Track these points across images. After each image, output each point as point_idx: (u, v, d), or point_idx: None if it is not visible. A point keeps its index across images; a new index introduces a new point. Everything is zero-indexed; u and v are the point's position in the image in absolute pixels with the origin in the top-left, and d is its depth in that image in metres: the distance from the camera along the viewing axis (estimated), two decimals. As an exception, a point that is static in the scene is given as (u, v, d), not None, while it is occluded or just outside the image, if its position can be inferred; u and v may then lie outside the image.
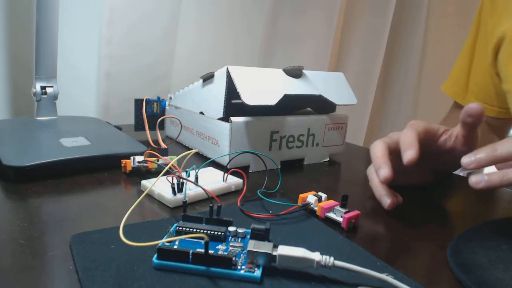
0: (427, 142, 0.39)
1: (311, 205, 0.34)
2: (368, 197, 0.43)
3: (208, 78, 0.49)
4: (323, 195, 0.35)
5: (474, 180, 0.31)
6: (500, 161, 0.31)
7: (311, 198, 0.34)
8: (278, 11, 0.86)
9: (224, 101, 0.45)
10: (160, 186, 0.35)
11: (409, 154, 0.34)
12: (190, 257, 0.24)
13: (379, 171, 0.36)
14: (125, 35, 0.68)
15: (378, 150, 0.38)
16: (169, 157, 0.41)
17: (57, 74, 0.53)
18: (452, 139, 0.41)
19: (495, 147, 0.31)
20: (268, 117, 0.46)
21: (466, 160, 0.32)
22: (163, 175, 0.32)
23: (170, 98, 0.58)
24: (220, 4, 0.79)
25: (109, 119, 0.67)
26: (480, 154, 0.31)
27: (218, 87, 0.46)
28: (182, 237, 0.25)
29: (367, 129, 1.11)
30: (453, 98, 0.71)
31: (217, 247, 0.26)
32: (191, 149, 0.42)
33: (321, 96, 0.49)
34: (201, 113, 0.50)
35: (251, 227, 0.27)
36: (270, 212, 0.34)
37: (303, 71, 0.50)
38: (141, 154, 0.42)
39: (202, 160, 0.49)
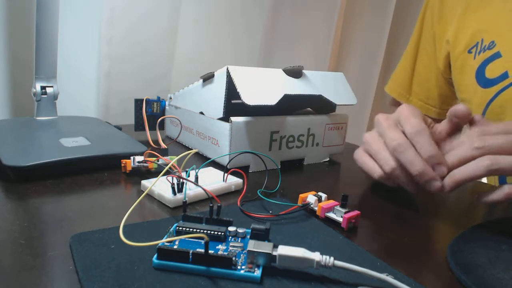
0: None
1: (311, 205, 0.34)
2: (368, 197, 0.43)
3: (208, 78, 0.49)
4: (323, 195, 0.35)
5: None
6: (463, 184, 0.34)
7: (311, 198, 0.34)
8: (278, 11, 0.86)
9: (224, 101, 0.45)
10: (160, 186, 0.35)
11: (437, 185, 0.34)
12: (190, 257, 0.24)
13: (433, 183, 0.35)
14: (125, 35, 0.68)
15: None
16: (169, 157, 0.41)
17: (57, 74, 0.52)
18: (436, 134, 0.40)
19: (453, 175, 0.34)
20: (268, 117, 0.46)
21: (434, 184, 0.35)
22: (163, 175, 0.32)
23: (170, 98, 0.58)
24: (220, 4, 0.79)
25: (109, 119, 0.67)
26: (446, 183, 0.34)
27: (218, 87, 0.46)
28: (182, 237, 0.25)
29: (367, 129, 1.11)
30: (397, 99, 0.71)
31: (217, 247, 0.26)
32: (191, 149, 0.42)
33: (321, 96, 0.49)
34: (201, 113, 0.50)
35: (251, 227, 0.27)
36: (270, 212, 0.34)
37: (303, 71, 0.50)
38: (141, 154, 0.42)
39: (202, 160, 0.49)
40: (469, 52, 0.56)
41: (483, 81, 0.53)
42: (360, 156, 0.43)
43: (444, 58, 0.62)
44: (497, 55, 0.52)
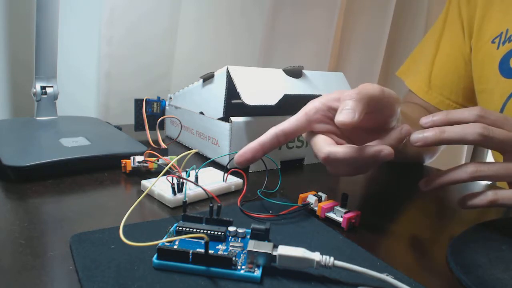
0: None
1: (311, 205, 0.34)
2: (368, 197, 0.43)
3: (208, 78, 0.49)
4: (323, 195, 0.35)
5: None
6: (445, 143, 0.32)
7: (311, 198, 0.34)
8: (278, 11, 0.86)
9: (224, 101, 0.45)
10: (160, 186, 0.35)
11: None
12: (190, 257, 0.24)
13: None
14: (125, 35, 0.68)
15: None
16: (169, 157, 0.41)
17: (57, 74, 0.52)
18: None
19: (443, 129, 0.31)
20: (268, 117, 0.46)
21: (414, 137, 0.32)
22: (163, 175, 0.32)
23: (170, 98, 0.58)
24: (220, 4, 0.79)
25: (109, 119, 0.67)
26: (428, 133, 0.32)
27: (218, 87, 0.46)
28: (182, 237, 0.25)
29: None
30: (416, 93, 0.65)
31: (217, 247, 0.26)
32: (191, 149, 0.42)
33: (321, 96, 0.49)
34: (201, 113, 0.50)
35: (251, 227, 0.27)
36: (270, 212, 0.34)
37: (303, 71, 0.50)
38: (141, 154, 0.42)
39: (202, 160, 0.49)
40: (492, 42, 0.55)
41: (507, 71, 0.53)
42: None
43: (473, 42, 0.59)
44: None
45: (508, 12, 0.54)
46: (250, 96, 0.42)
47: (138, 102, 0.56)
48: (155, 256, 0.24)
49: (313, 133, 0.35)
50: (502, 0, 0.55)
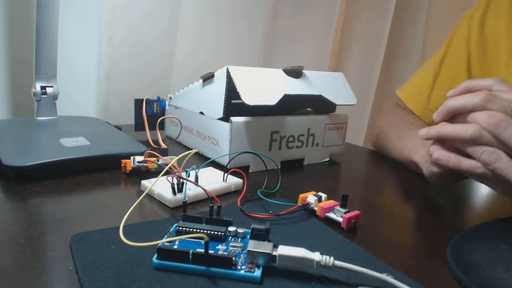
0: None
1: (311, 205, 0.34)
2: (368, 197, 0.43)
3: (208, 78, 0.49)
4: (323, 195, 0.35)
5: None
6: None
7: (311, 198, 0.34)
8: (278, 11, 0.86)
9: (224, 101, 0.45)
10: (160, 186, 0.35)
11: None
12: (190, 257, 0.24)
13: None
14: (125, 35, 0.68)
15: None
16: (169, 157, 0.41)
17: (57, 74, 0.52)
18: None
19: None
20: (268, 117, 0.46)
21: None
22: (163, 175, 0.32)
23: (170, 98, 0.58)
24: (220, 4, 0.79)
25: (109, 119, 0.67)
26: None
27: (218, 87, 0.46)
28: (182, 237, 0.25)
29: (367, 129, 1.11)
30: (414, 111, 0.68)
31: (217, 247, 0.26)
32: (191, 149, 0.42)
33: (321, 96, 0.49)
34: (201, 113, 0.50)
35: (251, 227, 0.27)
36: (270, 212, 0.34)
37: (303, 71, 0.50)
38: (141, 154, 0.42)
39: (202, 160, 0.49)
40: None
41: None
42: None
43: None
44: None
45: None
46: (250, 96, 0.42)
47: (138, 102, 0.56)
48: (155, 256, 0.24)
49: None
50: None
